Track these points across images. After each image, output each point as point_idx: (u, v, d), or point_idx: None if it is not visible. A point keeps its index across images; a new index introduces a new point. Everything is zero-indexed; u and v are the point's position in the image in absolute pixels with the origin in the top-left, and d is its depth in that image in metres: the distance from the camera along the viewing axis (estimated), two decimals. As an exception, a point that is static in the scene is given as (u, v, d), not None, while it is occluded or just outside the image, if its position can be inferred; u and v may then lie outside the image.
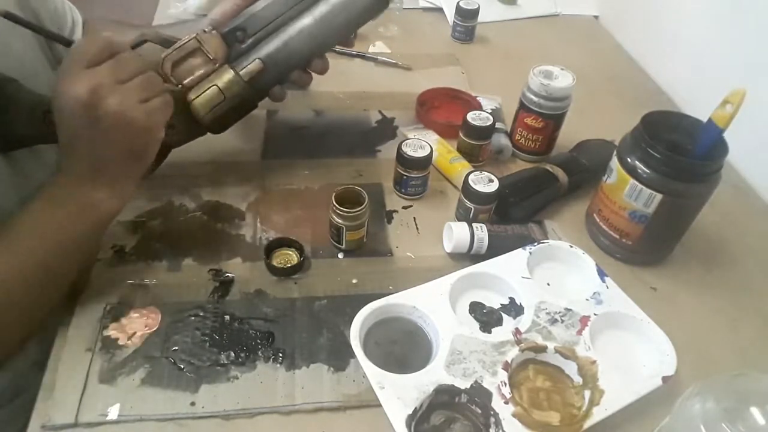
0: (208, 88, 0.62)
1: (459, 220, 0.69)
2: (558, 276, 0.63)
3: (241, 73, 0.63)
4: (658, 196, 0.60)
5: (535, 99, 0.75)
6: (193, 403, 0.50)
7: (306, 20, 0.64)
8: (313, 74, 0.69)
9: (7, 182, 0.55)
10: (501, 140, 0.80)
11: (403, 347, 0.55)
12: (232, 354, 0.54)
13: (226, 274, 0.61)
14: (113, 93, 0.48)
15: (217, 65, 0.62)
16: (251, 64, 0.63)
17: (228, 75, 0.63)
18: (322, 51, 0.67)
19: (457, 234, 0.64)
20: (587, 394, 0.52)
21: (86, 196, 0.51)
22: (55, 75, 0.50)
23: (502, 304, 0.60)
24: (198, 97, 0.62)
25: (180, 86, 0.61)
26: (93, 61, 0.48)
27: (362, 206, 0.61)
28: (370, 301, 0.56)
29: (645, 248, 0.66)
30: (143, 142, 0.52)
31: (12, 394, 0.60)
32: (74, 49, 0.49)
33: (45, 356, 0.54)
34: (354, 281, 0.62)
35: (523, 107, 0.77)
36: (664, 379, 0.52)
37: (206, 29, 0.62)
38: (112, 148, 0.50)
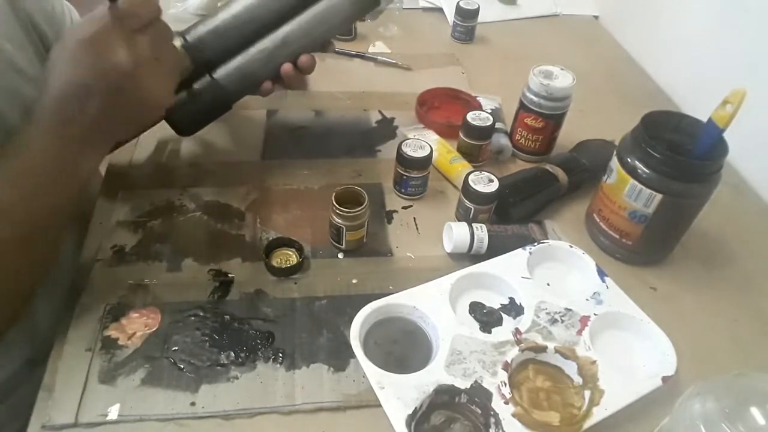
0: None
1: (459, 220, 0.69)
2: (558, 276, 0.63)
3: (188, 38, 0.63)
4: (658, 196, 0.60)
5: (535, 99, 0.75)
6: (193, 403, 0.50)
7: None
8: (312, 75, 0.68)
9: None
10: (501, 140, 0.80)
11: (403, 347, 0.55)
12: (232, 354, 0.54)
13: (227, 274, 0.61)
14: (152, 71, 0.48)
15: None
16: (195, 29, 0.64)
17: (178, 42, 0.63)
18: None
19: (457, 234, 0.64)
20: (587, 394, 0.52)
21: (72, 158, 0.48)
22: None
23: (502, 304, 0.60)
24: None
25: None
26: (139, 24, 0.47)
27: (362, 206, 0.61)
28: (370, 301, 0.56)
29: (645, 248, 0.66)
30: (152, 118, 0.52)
31: (6, 392, 0.60)
32: (124, 5, 0.46)
33: (38, 354, 0.53)
34: (354, 281, 0.62)
35: (523, 107, 0.77)
36: (664, 379, 0.52)
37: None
38: (122, 117, 0.49)
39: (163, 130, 0.68)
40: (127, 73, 0.46)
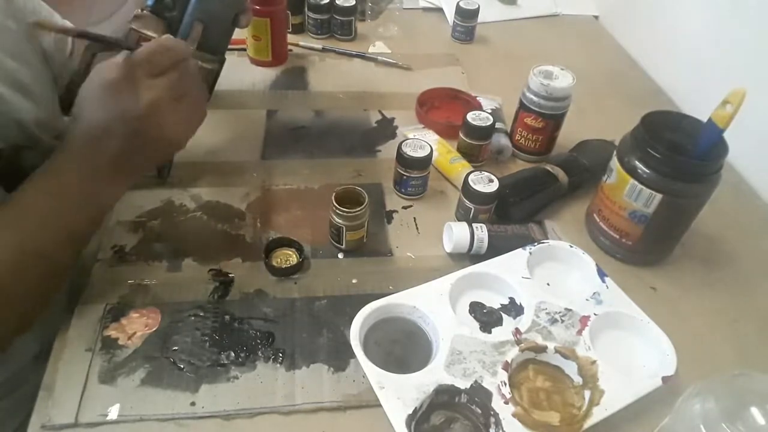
0: None
1: (459, 220, 0.69)
2: (558, 276, 0.63)
3: (187, 42, 0.59)
4: (658, 196, 0.60)
5: (535, 99, 0.75)
6: (193, 403, 0.50)
7: None
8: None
9: None
10: (501, 140, 0.80)
11: (403, 347, 0.55)
12: (232, 354, 0.54)
13: (227, 274, 0.61)
14: (170, 113, 0.51)
15: None
16: (193, 30, 0.60)
17: None
18: None
19: (457, 234, 0.64)
20: (587, 394, 0.52)
21: (95, 188, 0.51)
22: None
23: (502, 304, 0.60)
24: None
25: None
26: (157, 71, 0.49)
27: (362, 206, 0.61)
28: (370, 301, 0.56)
29: (645, 248, 0.66)
30: (170, 154, 0.55)
31: (12, 387, 0.60)
32: (140, 55, 0.49)
33: (45, 350, 0.54)
34: (354, 281, 0.62)
35: (523, 107, 0.77)
36: (664, 379, 0.52)
37: (137, 12, 0.60)
38: (142, 155, 0.52)
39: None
40: (140, 117, 0.49)
